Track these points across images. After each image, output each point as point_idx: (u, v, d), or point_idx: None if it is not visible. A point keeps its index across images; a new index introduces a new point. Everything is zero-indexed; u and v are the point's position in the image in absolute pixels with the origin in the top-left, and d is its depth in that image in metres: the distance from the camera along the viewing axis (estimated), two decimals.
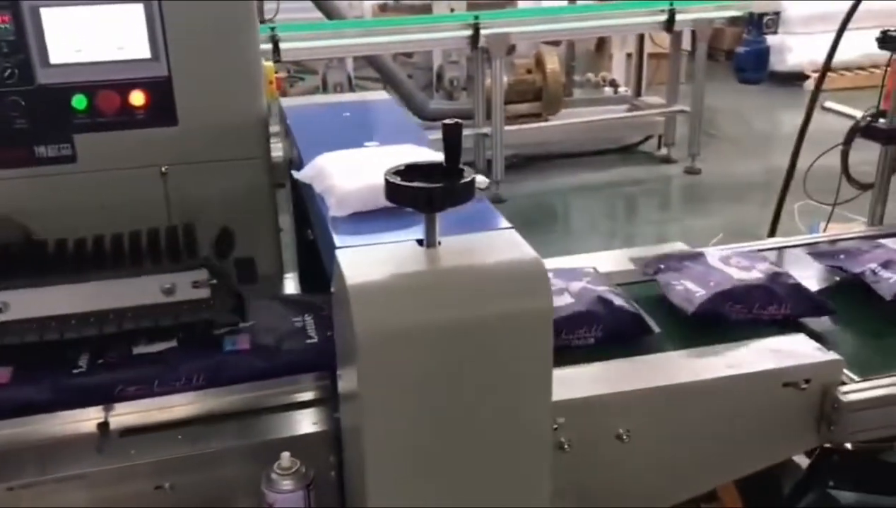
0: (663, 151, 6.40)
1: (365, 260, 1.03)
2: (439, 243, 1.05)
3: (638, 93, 6.58)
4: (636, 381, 1.43)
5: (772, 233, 2.31)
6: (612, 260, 1.94)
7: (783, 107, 7.42)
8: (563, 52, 6.42)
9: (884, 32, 2.15)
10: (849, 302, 1.76)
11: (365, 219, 1.15)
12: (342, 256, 1.03)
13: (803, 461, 2.03)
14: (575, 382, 1.43)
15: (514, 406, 1.04)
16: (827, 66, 2.34)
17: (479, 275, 1.00)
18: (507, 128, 5.61)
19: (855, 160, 2.38)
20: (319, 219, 1.22)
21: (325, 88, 5.80)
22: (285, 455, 1.20)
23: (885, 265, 1.78)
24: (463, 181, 1.03)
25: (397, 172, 1.04)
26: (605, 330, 1.57)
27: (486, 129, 5.56)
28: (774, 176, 5.64)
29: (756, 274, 1.69)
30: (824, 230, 2.78)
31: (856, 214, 2.64)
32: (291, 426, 1.35)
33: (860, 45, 3.04)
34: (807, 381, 1.47)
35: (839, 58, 7.80)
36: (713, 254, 1.82)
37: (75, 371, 1.35)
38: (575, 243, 5.15)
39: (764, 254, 1.86)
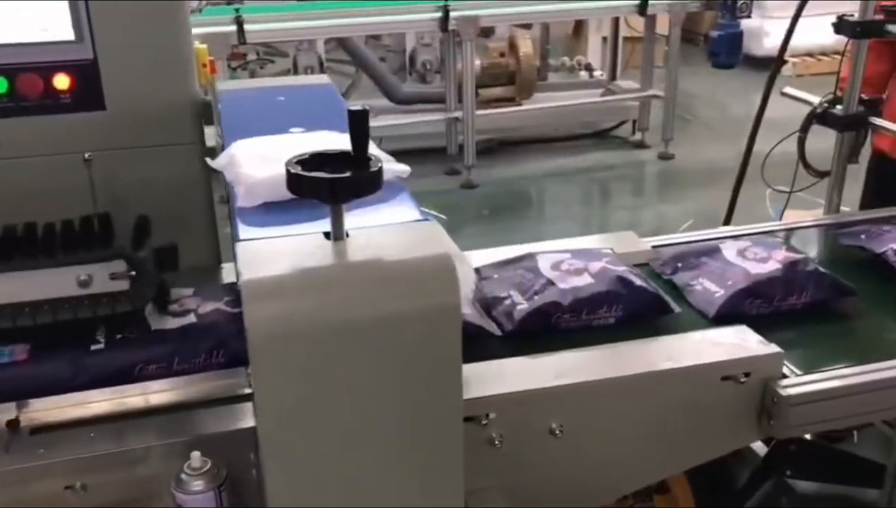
0: (637, 136, 6.37)
1: (265, 253, 0.98)
2: (347, 235, 1.01)
3: (613, 77, 6.54)
4: (571, 375, 1.39)
5: (727, 221, 2.28)
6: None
7: (757, 92, 7.36)
8: (539, 35, 6.37)
9: (840, 17, 2.12)
10: (872, 282, 1.74)
11: (274, 210, 1.10)
12: (241, 249, 0.99)
13: (761, 449, 2.02)
14: (508, 375, 1.39)
15: (421, 405, 0.99)
16: (783, 51, 2.30)
17: (383, 270, 0.96)
18: (480, 112, 5.55)
19: (821, 146, 2.35)
20: (230, 209, 1.17)
21: (296, 71, 5.72)
22: (195, 454, 1.16)
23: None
24: (370, 170, 0.99)
25: (300, 162, 1.00)
26: (626, 310, 1.55)
27: (457, 114, 5.50)
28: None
29: (773, 264, 1.66)
30: (782, 213, 2.75)
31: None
32: (212, 423, 1.30)
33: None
34: (746, 375, 1.44)
35: (817, 42, 7.76)
36: (729, 247, 1.76)
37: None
38: (548, 228, 5.12)
39: (781, 240, 1.82)
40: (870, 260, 1.82)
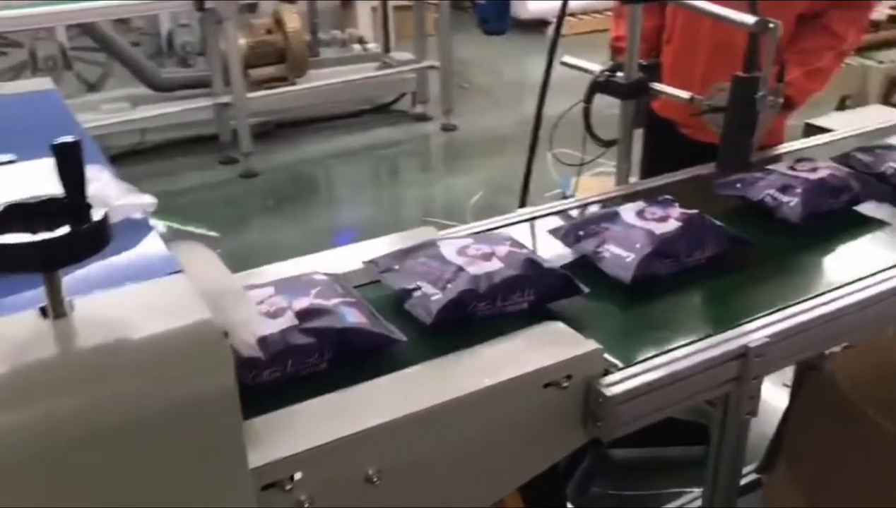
0: (418, 109, 6.29)
1: None
2: (72, 309, 0.75)
3: (387, 49, 6.39)
4: (383, 411, 1.21)
5: (522, 203, 2.19)
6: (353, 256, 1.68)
7: (529, 55, 7.56)
8: (306, 9, 6.07)
9: None
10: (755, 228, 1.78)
11: None
12: None
13: None
14: (311, 423, 1.18)
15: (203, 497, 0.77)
16: (561, 18, 2.22)
17: (125, 355, 0.71)
18: (251, 94, 5.21)
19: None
20: None
21: (34, 64, 5.06)
22: None
23: (783, 190, 1.84)
24: (92, 223, 0.73)
25: None
26: (537, 293, 1.48)
27: (226, 98, 5.12)
28: (526, 126, 5.71)
29: (673, 223, 1.65)
30: (575, 186, 2.73)
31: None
32: None
33: None
34: (568, 377, 1.32)
35: (581, 3, 8.04)
36: (628, 209, 1.73)
37: None
38: (340, 214, 4.91)
39: (672, 199, 1.77)
40: (747, 208, 1.88)
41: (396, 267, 1.54)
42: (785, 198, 1.83)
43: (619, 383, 1.34)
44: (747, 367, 1.45)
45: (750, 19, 1.72)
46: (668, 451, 2.62)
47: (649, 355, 1.41)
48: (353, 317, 1.35)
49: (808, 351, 1.57)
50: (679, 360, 1.40)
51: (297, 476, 1.12)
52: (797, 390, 1.77)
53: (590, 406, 1.35)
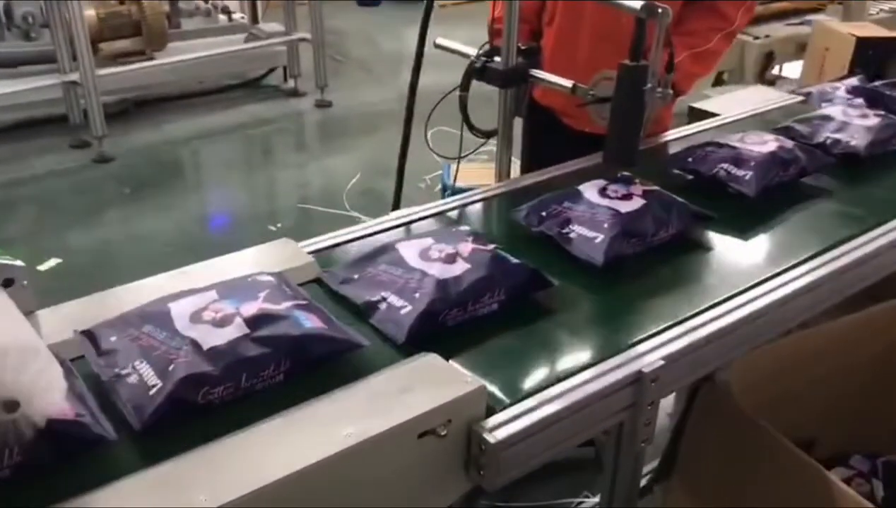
0: (290, 84, 5.96)
1: None
2: None
3: (255, 20, 6.02)
4: (235, 486, 0.99)
5: (396, 204, 1.99)
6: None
7: (406, 26, 7.33)
8: None
9: None
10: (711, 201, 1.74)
11: None
12: None
13: None
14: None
15: None
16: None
17: None
18: (103, 71, 4.77)
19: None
20: None
21: None
22: None
23: (736, 163, 1.83)
24: None
25: None
26: (507, 292, 1.38)
27: (74, 76, 4.66)
28: (404, 101, 5.51)
29: (638, 201, 1.61)
30: (454, 176, 2.57)
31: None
32: None
33: None
34: (447, 423, 1.15)
35: None
36: (592, 186, 1.68)
37: None
38: (207, 200, 4.57)
39: (629, 175, 1.72)
40: (699, 183, 1.86)
41: (356, 276, 1.42)
42: (740, 172, 1.81)
43: (503, 425, 1.18)
44: (643, 393, 1.31)
45: (636, 3, 1.57)
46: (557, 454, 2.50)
47: (537, 387, 1.25)
48: (310, 322, 1.19)
49: (707, 366, 1.45)
50: (568, 393, 1.24)
51: None
52: (691, 399, 1.67)
53: (471, 453, 1.18)
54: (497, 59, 1.93)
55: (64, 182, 4.55)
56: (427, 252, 1.41)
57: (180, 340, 1.14)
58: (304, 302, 1.25)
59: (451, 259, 1.39)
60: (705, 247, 1.66)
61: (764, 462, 1.60)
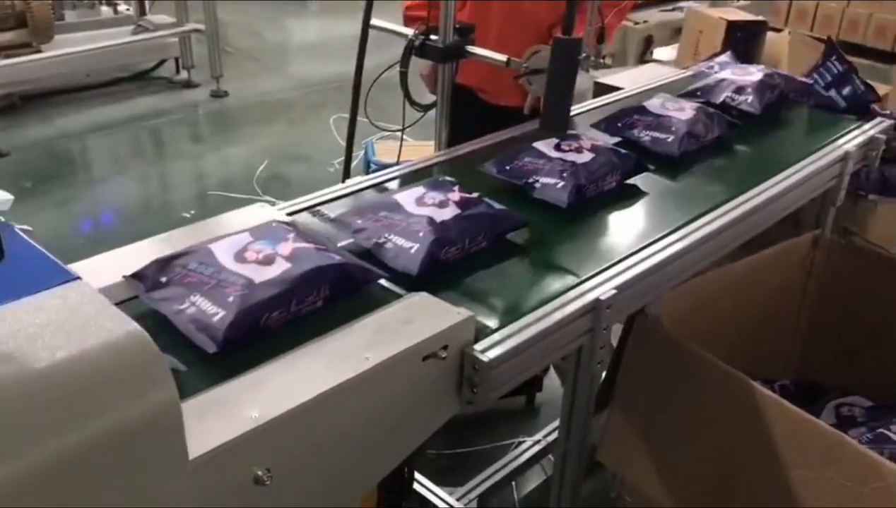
0: (183, 75, 5.91)
1: None
2: None
3: (143, 11, 5.91)
4: (271, 404, 1.12)
5: (346, 174, 2.11)
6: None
7: (286, 17, 7.37)
8: None
9: None
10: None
11: None
12: None
13: None
14: (192, 427, 1.07)
15: None
16: None
17: (43, 382, 0.59)
18: None
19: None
20: None
21: None
22: None
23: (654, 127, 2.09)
24: None
25: None
26: (490, 234, 1.55)
27: None
28: (301, 91, 5.57)
29: (588, 154, 1.84)
30: (399, 150, 2.68)
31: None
32: None
33: None
34: (445, 348, 1.31)
35: None
36: (546, 144, 1.89)
37: None
38: (106, 192, 4.50)
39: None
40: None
41: (359, 221, 1.56)
42: (663, 136, 2.06)
43: (492, 348, 1.35)
44: (599, 319, 1.51)
45: None
46: (495, 405, 2.70)
47: (516, 316, 1.43)
48: (338, 256, 1.36)
49: (649, 295, 1.67)
50: (542, 319, 1.43)
51: None
52: (627, 332, 1.88)
53: (465, 373, 1.35)
54: (434, 36, 2.09)
55: None
56: (422, 199, 1.58)
57: (229, 274, 1.27)
58: (323, 244, 1.40)
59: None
60: (643, 194, 1.90)
61: (694, 381, 1.83)
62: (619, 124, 2.14)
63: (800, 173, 2.05)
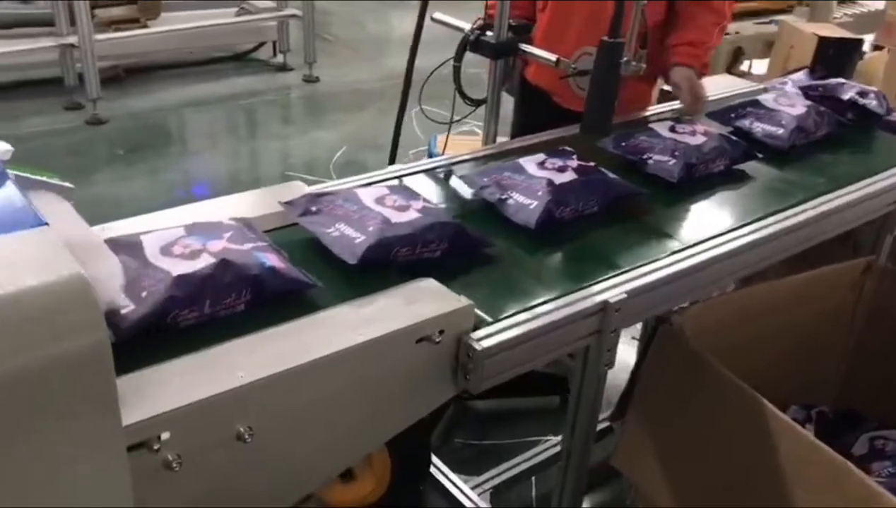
0: (279, 59, 6.11)
1: None
2: None
3: None
4: (257, 367, 1.19)
5: (392, 159, 2.18)
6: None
7: (392, 8, 7.49)
8: None
9: None
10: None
11: None
12: None
13: None
14: (175, 384, 1.14)
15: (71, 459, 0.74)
16: None
17: None
18: (100, 36, 4.89)
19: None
20: None
21: None
22: None
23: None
24: None
25: None
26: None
27: (72, 39, 4.78)
28: (392, 82, 5.65)
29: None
30: (443, 146, 2.74)
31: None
32: None
33: None
34: (440, 333, 1.35)
35: None
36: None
37: None
38: (195, 165, 4.72)
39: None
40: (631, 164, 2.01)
41: (485, 180, 1.75)
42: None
43: (488, 338, 1.38)
44: (607, 321, 1.52)
45: None
46: (526, 402, 2.72)
47: (516, 310, 1.45)
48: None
49: (661, 306, 1.67)
50: (544, 315, 1.45)
51: (165, 436, 1.08)
52: (648, 343, 1.88)
53: (459, 360, 1.38)
54: (489, 33, 2.13)
55: (57, 142, 4.68)
56: (543, 163, 1.80)
57: (370, 211, 1.50)
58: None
59: (563, 169, 1.76)
60: (663, 208, 1.88)
61: (708, 395, 1.81)
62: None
63: (853, 194, 1.99)
